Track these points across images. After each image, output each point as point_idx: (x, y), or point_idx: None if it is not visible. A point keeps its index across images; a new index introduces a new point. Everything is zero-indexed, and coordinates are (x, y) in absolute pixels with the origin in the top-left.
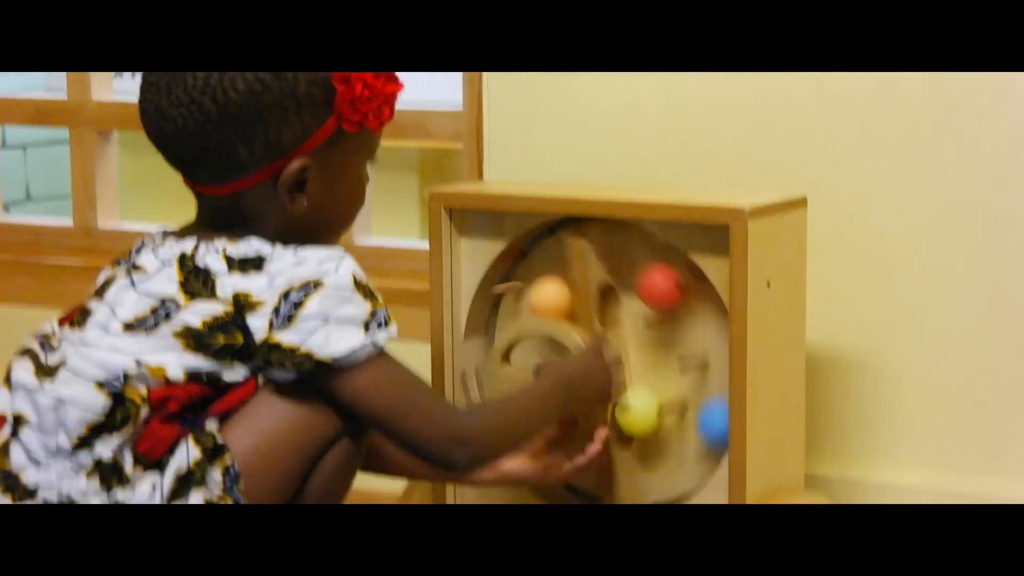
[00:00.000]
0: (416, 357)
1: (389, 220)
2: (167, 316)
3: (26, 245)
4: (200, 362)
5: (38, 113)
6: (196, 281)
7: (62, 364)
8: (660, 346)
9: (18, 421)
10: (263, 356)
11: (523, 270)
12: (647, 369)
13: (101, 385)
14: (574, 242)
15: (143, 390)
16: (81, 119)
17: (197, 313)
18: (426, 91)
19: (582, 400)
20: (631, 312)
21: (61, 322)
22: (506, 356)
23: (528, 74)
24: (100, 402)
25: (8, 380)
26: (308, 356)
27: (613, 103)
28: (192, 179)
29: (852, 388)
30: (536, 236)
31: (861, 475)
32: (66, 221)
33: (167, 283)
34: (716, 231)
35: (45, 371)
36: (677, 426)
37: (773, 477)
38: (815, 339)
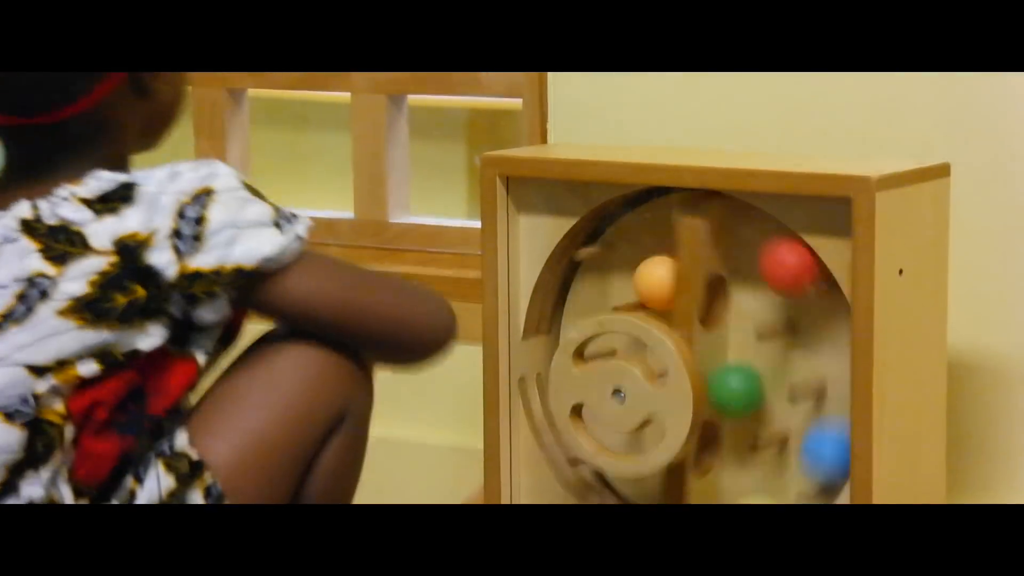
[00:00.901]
0: (465, 359)
1: (431, 198)
2: (43, 296)
3: None
4: (105, 336)
5: None
6: (60, 242)
7: None
8: (768, 364)
9: None
10: (183, 292)
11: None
12: None
13: (8, 416)
14: (686, 220)
15: (59, 405)
16: None
17: (77, 277)
18: None
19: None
20: (739, 312)
21: None
22: (580, 353)
23: None
24: (14, 437)
25: None
26: (238, 270)
27: None
28: (15, 111)
29: (1002, 400)
30: (612, 213)
31: (1013, 503)
32: None
33: (21, 259)
34: (836, 206)
35: None
36: (776, 460)
37: None
38: (958, 340)
